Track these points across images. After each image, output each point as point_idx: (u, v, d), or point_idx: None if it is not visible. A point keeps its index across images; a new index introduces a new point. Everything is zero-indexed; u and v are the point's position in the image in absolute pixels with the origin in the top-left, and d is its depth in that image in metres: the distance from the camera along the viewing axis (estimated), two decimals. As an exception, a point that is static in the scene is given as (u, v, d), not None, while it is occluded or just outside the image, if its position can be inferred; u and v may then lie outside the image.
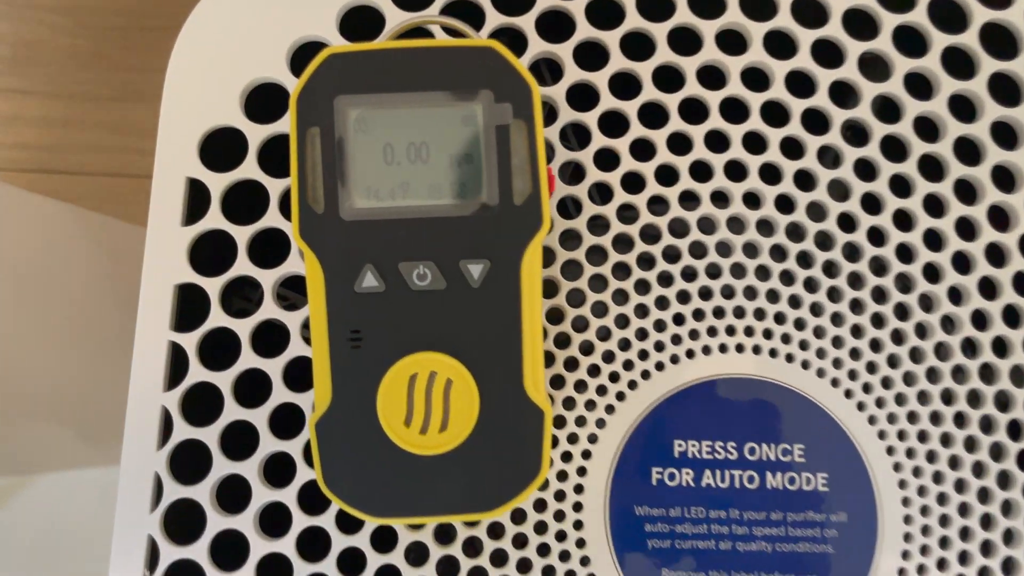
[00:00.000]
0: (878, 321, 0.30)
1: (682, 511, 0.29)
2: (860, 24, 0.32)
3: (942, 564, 0.30)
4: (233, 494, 0.30)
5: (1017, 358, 0.31)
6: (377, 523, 0.28)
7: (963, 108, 0.31)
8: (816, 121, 0.32)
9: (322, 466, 0.26)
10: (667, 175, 0.31)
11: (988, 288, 0.31)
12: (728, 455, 0.29)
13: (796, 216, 0.31)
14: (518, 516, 0.29)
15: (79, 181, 0.82)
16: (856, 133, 0.32)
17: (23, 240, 0.60)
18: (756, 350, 0.30)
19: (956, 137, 0.31)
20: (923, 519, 0.30)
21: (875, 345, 0.30)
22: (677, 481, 0.29)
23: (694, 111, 0.31)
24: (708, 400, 0.29)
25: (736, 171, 0.31)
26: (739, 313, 0.30)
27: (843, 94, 0.32)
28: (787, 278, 0.30)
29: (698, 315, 0.30)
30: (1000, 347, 0.31)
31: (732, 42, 0.32)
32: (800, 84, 0.32)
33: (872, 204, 0.31)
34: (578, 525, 0.29)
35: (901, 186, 0.31)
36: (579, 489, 0.29)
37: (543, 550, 0.29)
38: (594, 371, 0.30)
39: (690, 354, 0.30)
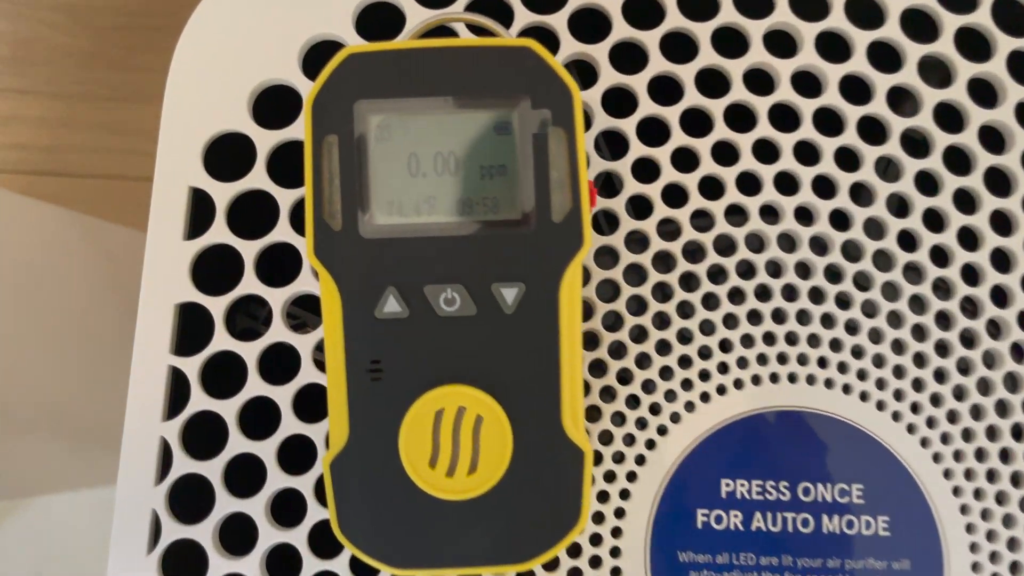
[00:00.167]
0: (942, 349, 0.28)
1: (730, 557, 0.27)
2: (919, 25, 0.30)
3: (1012, 615, 0.27)
4: (238, 535, 0.27)
5: (1094, 390, 0.28)
6: (396, 575, 0.25)
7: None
8: (873, 130, 0.29)
9: (337, 510, 0.23)
10: (712, 188, 0.28)
11: (1062, 313, 0.28)
12: (780, 496, 0.27)
13: (852, 233, 0.28)
14: (551, 563, 0.27)
15: (78, 183, 0.80)
16: (916, 143, 0.29)
17: (19, 247, 0.59)
18: (810, 380, 0.27)
19: (1026, 149, 0.28)
20: (992, 567, 0.27)
21: (939, 375, 0.28)
22: (725, 524, 0.27)
23: (741, 118, 0.29)
24: (758, 435, 0.27)
25: (787, 184, 0.29)
26: (791, 339, 0.28)
27: (901, 101, 0.29)
28: (843, 301, 0.28)
29: (746, 341, 0.27)
30: (1075, 378, 0.28)
31: (782, 44, 0.29)
32: (855, 89, 0.29)
33: (934, 221, 0.29)
34: (616, 572, 0.27)
35: (965, 201, 0.29)
36: (617, 533, 0.27)
37: (576, 598, 0.27)
38: (633, 402, 0.27)
39: (738, 384, 0.27)
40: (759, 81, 0.29)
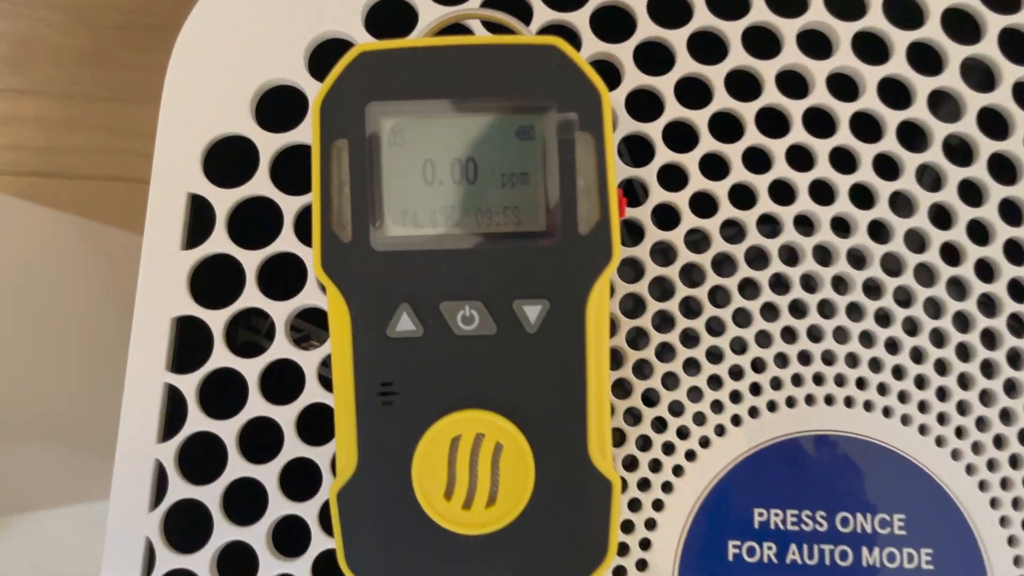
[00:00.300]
0: (988, 369, 0.26)
1: (764, 592, 0.25)
2: (960, 26, 0.28)
3: (1063, 654, 0.26)
4: (237, 565, 0.25)
5: None
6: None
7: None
8: (913, 136, 0.27)
9: (344, 543, 0.21)
10: (743, 196, 0.27)
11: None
12: (817, 527, 0.25)
13: (892, 246, 0.27)
14: (572, 598, 0.25)
15: (77, 184, 0.80)
16: (959, 151, 0.28)
17: (16, 251, 0.58)
18: (848, 402, 0.26)
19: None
20: (1043, 603, 0.26)
21: (985, 397, 0.26)
22: (757, 557, 0.25)
23: (774, 123, 0.27)
24: (793, 461, 0.25)
25: (823, 192, 0.27)
26: (828, 358, 0.26)
27: (943, 105, 0.28)
28: (883, 318, 0.26)
29: (780, 360, 0.26)
30: None
31: (816, 44, 0.28)
32: (895, 93, 0.28)
33: (980, 233, 0.27)
34: (641, 607, 0.25)
35: (1012, 212, 0.27)
36: (642, 565, 0.25)
37: (598, 634, 0.25)
38: (660, 425, 0.26)
39: (772, 406, 0.26)
40: (793, 83, 0.28)
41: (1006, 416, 0.26)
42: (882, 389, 0.26)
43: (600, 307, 0.21)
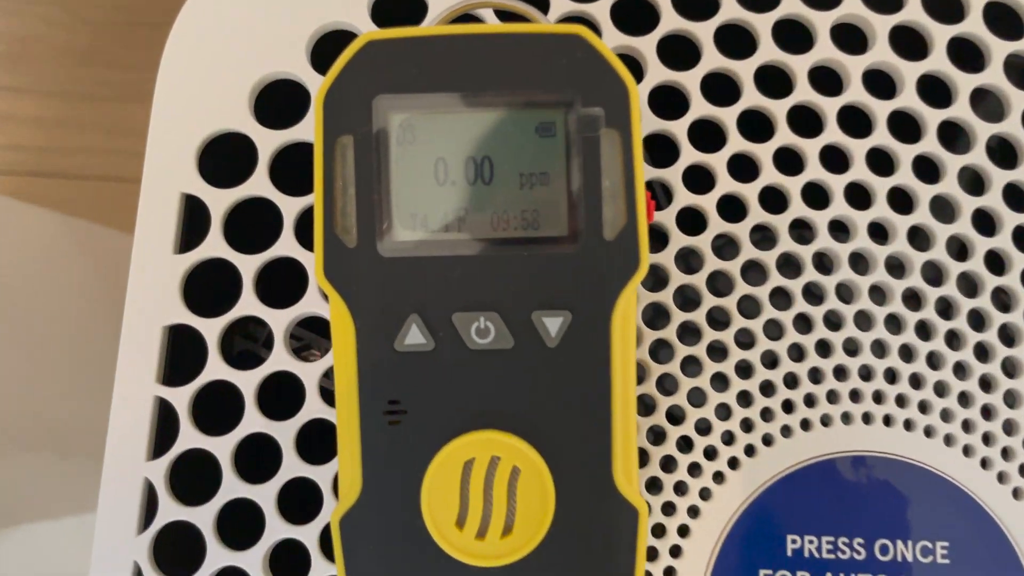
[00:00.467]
0: (1037, 386, 0.25)
1: (798, 626, 0.23)
2: (1003, 20, 0.26)
3: None
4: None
5: None
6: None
7: None
8: (954, 137, 0.26)
9: (347, 574, 0.20)
10: (774, 199, 0.26)
11: None
12: (854, 555, 0.23)
13: (934, 253, 0.25)
14: (592, 631, 0.23)
15: (74, 184, 0.79)
16: (998, 152, 0.26)
17: (10, 252, 0.56)
18: (887, 421, 0.24)
19: None
20: (1096, 637, 0.24)
21: (1034, 416, 0.24)
22: (791, 587, 0.23)
23: (807, 121, 0.26)
24: (829, 484, 0.24)
25: (859, 196, 0.25)
26: (866, 374, 0.24)
27: (986, 105, 0.26)
28: (924, 331, 0.25)
29: (815, 376, 0.24)
30: None
31: (852, 38, 0.26)
32: (934, 91, 0.26)
33: (1026, 240, 0.25)
34: (666, 642, 0.23)
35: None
36: (667, 595, 0.24)
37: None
38: (685, 445, 0.24)
39: (806, 425, 0.24)
40: (827, 80, 0.26)
41: (1056, 436, 0.24)
42: (923, 407, 0.24)
43: (626, 319, 0.20)
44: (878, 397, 0.24)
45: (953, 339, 0.25)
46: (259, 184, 0.25)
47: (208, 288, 0.25)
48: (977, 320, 0.25)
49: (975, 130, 0.26)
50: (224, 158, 0.26)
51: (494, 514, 0.19)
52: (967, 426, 0.24)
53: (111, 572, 0.24)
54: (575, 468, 0.20)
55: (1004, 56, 0.26)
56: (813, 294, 0.25)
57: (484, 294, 0.20)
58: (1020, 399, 0.25)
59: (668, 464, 0.24)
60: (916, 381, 0.24)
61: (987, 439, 0.24)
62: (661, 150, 0.26)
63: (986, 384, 0.25)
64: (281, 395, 0.25)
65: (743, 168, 0.25)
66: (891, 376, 0.25)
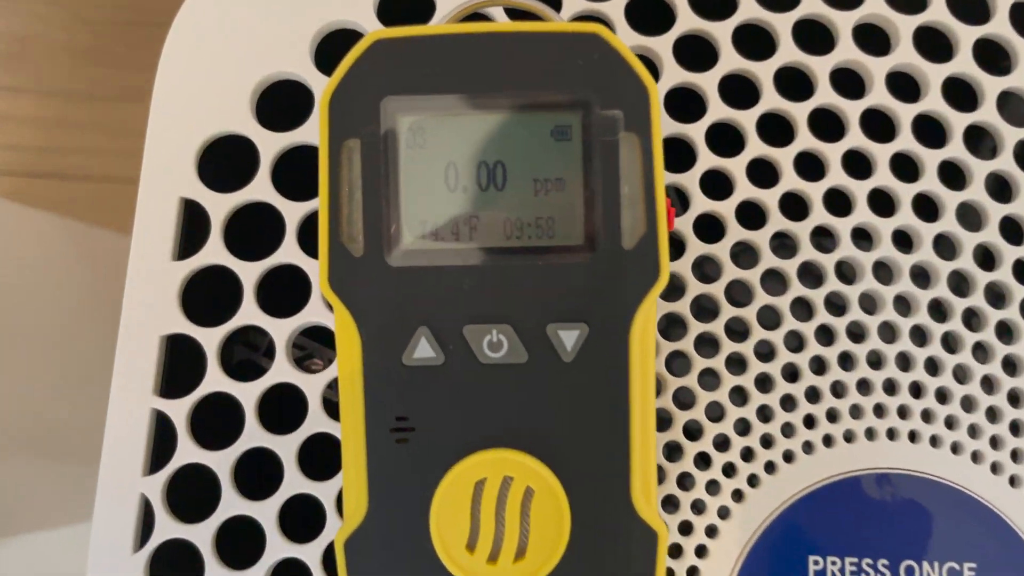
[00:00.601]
0: (1067, 400, 0.24)
1: (821, 651, 0.22)
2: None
3: None
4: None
5: None
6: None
7: None
8: (981, 140, 0.25)
9: (352, 599, 0.19)
10: (795, 206, 0.25)
11: None
12: (879, 576, 0.23)
13: (960, 262, 0.24)
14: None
15: (72, 185, 0.78)
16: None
17: (5, 255, 0.55)
18: (913, 437, 0.23)
19: None
20: None
21: (1065, 432, 0.23)
22: (813, 610, 0.22)
23: (828, 124, 0.25)
24: (852, 502, 0.23)
25: (883, 202, 0.24)
26: (890, 388, 0.23)
27: (1013, 108, 0.25)
28: (951, 343, 0.24)
29: (838, 390, 0.23)
30: None
31: (874, 39, 0.25)
32: (961, 94, 0.25)
33: (1056, 247, 0.24)
34: (683, 667, 0.22)
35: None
36: (684, 618, 0.23)
37: None
38: (703, 462, 0.23)
39: (828, 441, 0.23)
40: (849, 82, 0.25)
41: (1087, 453, 0.24)
42: (950, 422, 0.23)
43: (646, 332, 0.19)
44: (903, 412, 0.23)
45: (980, 352, 0.24)
46: (261, 188, 0.24)
47: (207, 296, 0.25)
48: (1005, 332, 0.24)
49: (1002, 134, 0.25)
50: (224, 161, 0.25)
51: (506, 537, 0.19)
52: (995, 442, 0.23)
53: (106, 592, 0.23)
54: (591, 489, 0.19)
55: (1033, 58, 0.25)
56: (835, 304, 0.24)
57: (496, 306, 0.19)
58: (1050, 414, 0.24)
59: (685, 481, 0.23)
60: (942, 395, 0.24)
61: (1016, 456, 0.23)
62: (677, 154, 0.25)
63: (1015, 399, 0.24)
64: (283, 406, 0.24)
65: (762, 173, 0.25)
66: (916, 390, 0.24)
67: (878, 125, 0.25)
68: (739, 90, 0.25)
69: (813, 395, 0.23)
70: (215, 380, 0.24)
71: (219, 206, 0.24)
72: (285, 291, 0.25)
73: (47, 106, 0.78)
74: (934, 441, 0.23)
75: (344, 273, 0.19)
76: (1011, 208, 0.24)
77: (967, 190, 0.25)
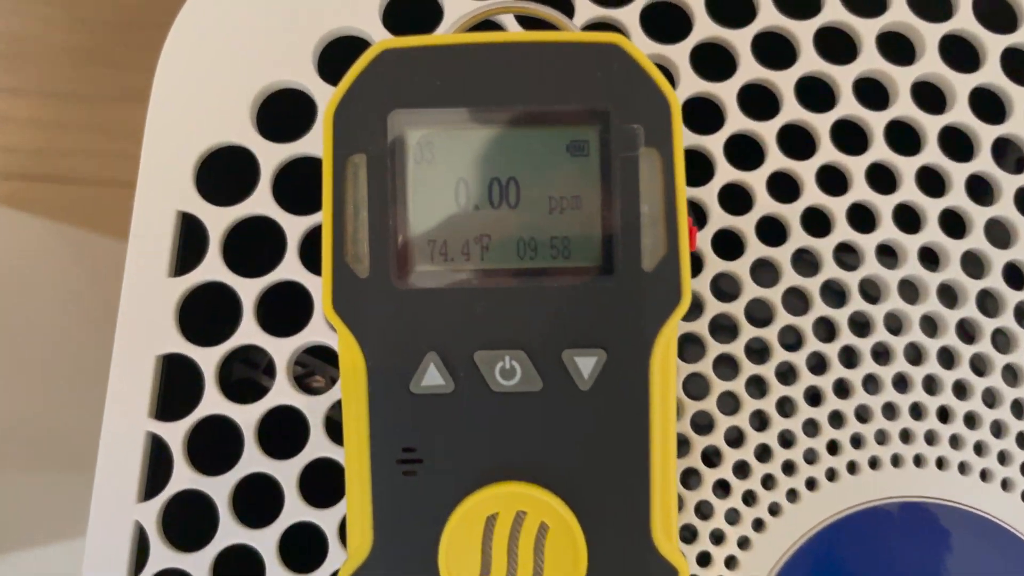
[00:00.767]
0: (1101, 425, 0.23)
1: None
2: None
3: None
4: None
5: None
6: None
7: None
8: (1004, 152, 0.24)
9: (356, 638, 0.18)
10: (817, 222, 0.24)
11: None
12: (907, 611, 0.22)
13: (989, 281, 0.23)
14: None
15: (70, 188, 0.77)
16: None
17: (1, 261, 0.55)
18: (941, 464, 0.22)
19: None
20: None
21: (1099, 459, 0.23)
22: (838, 646, 0.22)
23: (851, 136, 0.24)
24: (877, 532, 0.22)
25: (908, 218, 0.23)
26: (917, 412, 0.23)
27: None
28: (979, 366, 0.23)
29: (862, 414, 0.22)
30: None
31: (899, 47, 0.24)
32: (988, 104, 0.24)
33: (1089, 266, 0.24)
34: None
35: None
36: (702, 654, 0.22)
37: None
38: (722, 490, 0.22)
39: (852, 468, 0.22)
40: (872, 93, 0.24)
41: (1122, 481, 0.23)
42: (979, 448, 0.23)
43: (666, 359, 0.18)
44: (930, 438, 0.22)
45: (1010, 374, 0.23)
46: (261, 202, 0.23)
47: (205, 314, 0.24)
48: (1037, 353, 0.23)
49: (1033, 148, 0.24)
50: (223, 173, 0.24)
51: (519, 574, 0.18)
52: (1027, 469, 0.23)
53: (98, 622, 0.22)
54: (609, 524, 0.18)
55: (1065, 68, 0.24)
56: (859, 324, 0.23)
57: (509, 331, 0.18)
58: (1083, 440, 0.23)
59: (704, 510, 0.22)
60: (971, 420, 0.23)
61: (1048, 483, 0.23)
62: (694, 167, 0.24)
63: (1047, 423, 0.23)
64: (283, 427, 0.23)
65: (783, 187, 0.24)
66: (944, 414, 0.23)
67: (903, 137, 0.24)
68: (759, 100, 0.24)
69: (836, 420, 0.22)
70: (213, 402, 0.23)
71: (218, 220, 0.23)
72: (286, 307, 0.24)
73: (45, 107, 0.78)
74: (963, 468, 0.22)
75: (349, 295, 0.18)
76: (1042, 224, 0.24)
77: (995, 205, 0.24)
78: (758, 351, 0.23)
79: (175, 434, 0.23)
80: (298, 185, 0.24)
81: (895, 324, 0.23)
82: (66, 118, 0.77)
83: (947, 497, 0.22)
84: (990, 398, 0.23)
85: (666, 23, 0.24)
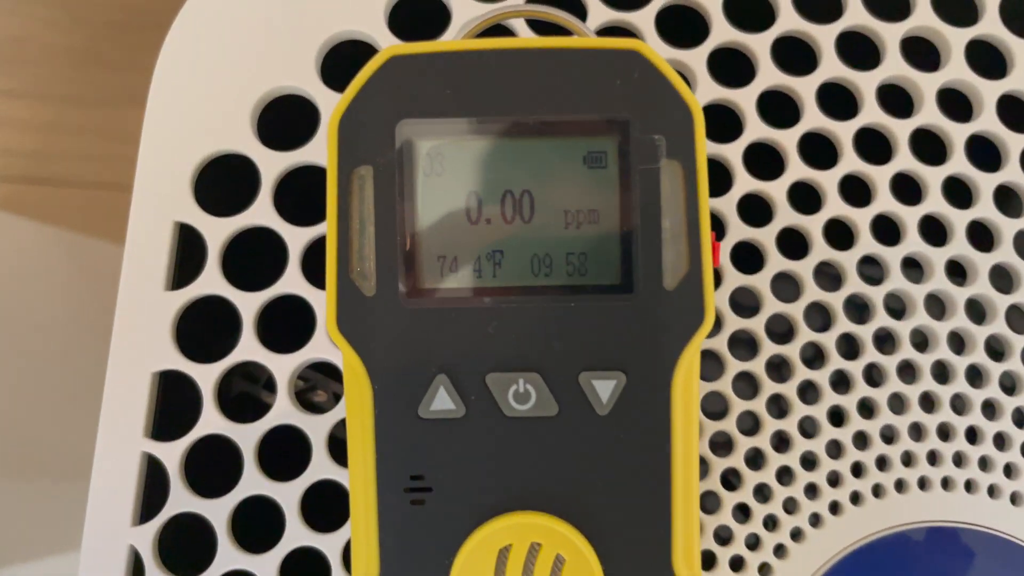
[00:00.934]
0: None
1: None
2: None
3: None
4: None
5: None
6: None
7: None
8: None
9: (362, 674, 0.17)
10: (841, 233, 0.23)
11: None
12: (935, 641, 0.21)
13: (1018, 296, 0.22)
14: None
15: (67, 191, 0.76)
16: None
17: (-3, 266, 0.54)
18: (969, 487, 0.21)
19: None
20: None
21: None
22: None
23: (875, 145, 0.23)
24: (904, 558, 0.21)
25: (935, 230, 0.23)
26: (944, 433, 0.22)
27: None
28: (1009, 384, 0.22)
29: (888, 435, 0.21)
30: None
31: (925, 54, 0.23)
32: (1018, 112, 0.23)
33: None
34: None
35: None
36: None
37: None
38: (742, 514, 0.21)
39: (878, 491, 0.21)
40: (897, 100, 0.23)
41: None
42: (1009, 471, 0.22)
43: (688, 382, 0.17)
44: (958, 460, 0.22)
45: (1041, 393, 0.22)
46: (262, 212, 0.22)
47: (203, 329, 0.23)
48: (1068, 371, 0.22)
49: (1065, 156, 0.23)
50: (223, 182, 0.23)
51: (534, 610, 0.17)
52: (1059, 493, 0.22)
53: (91, 650, 0.21)
54: (628, 557, 0.17)
55: (1093, 74, 0.23)
56: (885, 341, 0.22)
57: (523, 352, 0.17)
58: (1117, 462, 0.22)
59: (724, 536, 0.21)
60: (1001, 441, 0.22)
61: (1081, 507, 0.22)
62: (713, 177, 0.23)
63: (1079, 444, 0.22)
64: (285, 444, 0.22)
65: (805, 198, 0.23)
66: (973, 436, 0.22)
67: (929, 146, 0.23)
68: (779, 108, 0.23)
69: (861, 441, 0.22)
70: (211, 421, 0.22)
71: (216, 231, 0.22)
72: (287, 319, 0.23)
73: (42, 109, 0.77)
74: (992, 491, 0.22)
75: (354, 314, 0.17)
76: (1073, 237, 0.23)
77: (1025, 217, 0.23)
78: (779, 369, 0.22)
79: (172, 454, 0.22)
80: (300, 195, 0.23)
81: (921, 340, 0.22)
82: (63, 120, 0.76)
83: (976, 522, 0.21)
84: (1020, 417, 0.22)
85: (682, 27, 0.24)
